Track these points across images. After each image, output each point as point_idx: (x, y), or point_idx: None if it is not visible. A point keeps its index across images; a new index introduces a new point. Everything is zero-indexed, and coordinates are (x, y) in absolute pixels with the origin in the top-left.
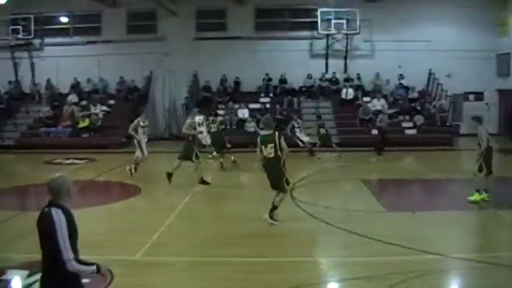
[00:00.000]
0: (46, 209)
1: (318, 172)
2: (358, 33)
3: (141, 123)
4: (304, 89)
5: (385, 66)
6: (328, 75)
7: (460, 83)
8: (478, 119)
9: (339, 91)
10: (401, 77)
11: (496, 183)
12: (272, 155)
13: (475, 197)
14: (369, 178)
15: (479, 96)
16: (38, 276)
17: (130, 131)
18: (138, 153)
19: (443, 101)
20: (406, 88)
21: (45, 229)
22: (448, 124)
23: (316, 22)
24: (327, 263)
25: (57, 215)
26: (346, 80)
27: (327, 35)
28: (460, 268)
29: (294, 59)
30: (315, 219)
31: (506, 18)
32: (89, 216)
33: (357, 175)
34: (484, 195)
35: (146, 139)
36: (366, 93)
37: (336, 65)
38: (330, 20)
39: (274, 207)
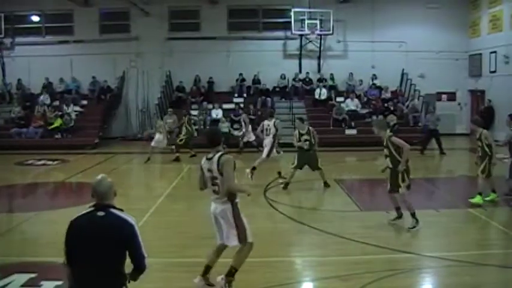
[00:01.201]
0: (106, 213)
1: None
2: (332, 34)
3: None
4: (277, 89)
5: (359, 67)
6: (302, 76)
7: (433, 83)
8: (478, 122)
9: (312, 91)
10: (374, 77)
11: (470, 182)
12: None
13: (477, 199)
14: (343, 178)
15: (451, 96)
16: (12, 278)
17: None
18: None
19: (416, 101)
20: (379, 88)
21: (125, 234)
22: (420, 124)
23: (290, 22)
24: (301, 263)
25: (129, 217)
26: (320, 80)
27: (301, 36)
28: (433, 267)
29: (268, 59)
30: (289, 220)
31: (477, 19)
32: (63, 217)
33: (331, 175)
34: (493, 195)
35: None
36: (339, 94)
37: (309, 65)
38: (304, 20)
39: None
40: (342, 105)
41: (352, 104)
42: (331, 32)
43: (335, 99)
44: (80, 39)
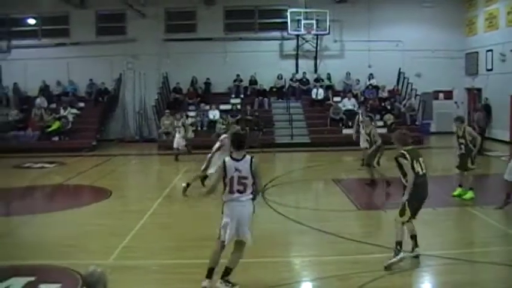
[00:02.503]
0: None
1: (289, 172)
2: (328, 34)
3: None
4: (274, 89)
5: (355, 66)
6: (299, 76)
7: (430, 82)
8: (461, 120)
9: (309, 91)
10: (371, 76)
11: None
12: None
13: (470, 194)
14: (341, 178)
15: (448, 94)
16: (10, 281)
17: None
18: None
19: (413, 100)
20: (376, 87)
21: None
22: (417, 123)
23: (286, 23)
24: (300, 263)
25: None
26: (317, 80)
27: (297, 36)
28: (430, 265)
29: (264, 60)
30: (287, 220)
31: (474, 17)
32: (60, 220)
33: (328, 175)
34: (460, 190)
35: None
36: (336, 93)
37: (306, 65)
38: (300, 20)
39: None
40: (339, 104)
41: (349, 104)
42: (327, 31)
43: (332, 99)
44: (77, 42)
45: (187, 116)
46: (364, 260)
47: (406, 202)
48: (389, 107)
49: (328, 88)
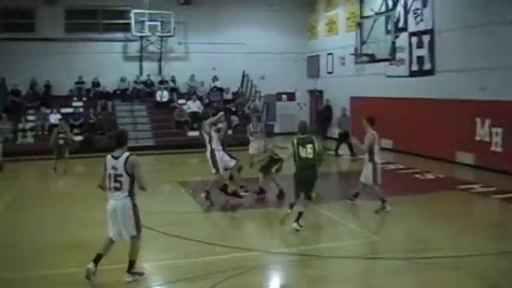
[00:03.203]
0: None
1: None
2: (173, 36)
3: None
4: (118, 92)
5: (200, 68)
6: (143, 78)
7: (273, 84)
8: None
9: (153, 94)
10: (215, 78)
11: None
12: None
13: None
14: (187, 180)
15: (291, 96)
16: None
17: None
18: None
19: (257, 102)
20: (221, 90)
21: None
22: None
23: (130, 24)
24: (148, 268)
25: None
26: (161, 82)
27: (141, 37)
28: (280, 262)
29: (108, 62)
30: None
31: (315, 22)
32: None
33: (174, 177)
34: None
35: None
36: (181, 96)
37: (150, 68)
38: (144, 22)
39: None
40: (184, 107)
41: (194, 106)
42: (172, 33)
43: (177, 101)
44: None
45: (26, 120)
46: (215, 261)
47: (294, 175)
48: (234, 109)
49: (173, 90)
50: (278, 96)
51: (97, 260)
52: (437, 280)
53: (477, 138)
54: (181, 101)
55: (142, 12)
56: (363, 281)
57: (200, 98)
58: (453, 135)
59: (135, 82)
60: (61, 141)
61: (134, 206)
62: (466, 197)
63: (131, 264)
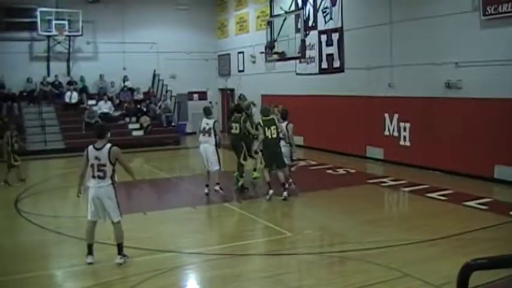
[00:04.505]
0: None
1: (44, 180)
2: (81, 35)
3: None
4: (24, 93)
5: (110, 68)
6: (51, 79)
7: (184, 83)
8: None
9: (62, 95)
10: (126, 78)
11: (227, 176)
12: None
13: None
14: None
15: (202, 95)
16: None
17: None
18: None
19: (168, 102)
20: (131, 90)
21: None
22: (174, 124)
23: (36, 22)
24: (61, 275)
25: None
26: (70, 83)
27: (48, 37)
28: (195, 262)
29: (12, 62)
30: (44, 230)
31: (225, 20)
32: None
33: (85, 180)
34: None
35: None
36: (91, 96)
37: (58, 68)
38: (51, 20)
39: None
40: (94, 108)
41: (105, 107)
42: (80, 33)
43: (87, 102)
44: None
45: None
46: (128, 264)
47: (260, 152)
48: (145, 109)
49: (82, 91)
50: (190, 96)
51: (90, 250)
52: (348, 271)
53: (386, 133)
54: (91, 102)
55: (49, 10)
56: (276, 277)
57: (111, 99)
58: (364, 131)
59: (42, 83)
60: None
61: (116, 193)
62: (377, 190)
63: (120, 247)
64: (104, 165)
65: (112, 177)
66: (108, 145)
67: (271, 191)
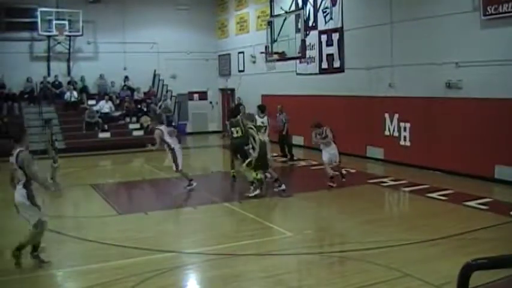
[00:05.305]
0: None
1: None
2: (82, 35)
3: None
4: (25, 93)
5: (110, 68)
6: (51, 79)
7: (185, 83)
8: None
9: (62, 95)
10: (126, 78)
11: (225, 178)
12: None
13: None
14: (98, 182)
15: (203, 95)
16: None
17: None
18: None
19: (168, 101)
20: (132, 89)
21: None
22: (174, 124)
23: (36, 22)
24: (62, 275)
25: None
26: (70, 83)
27: (48, 37)
28: (195, 262)
29: (13, 62)
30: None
31: (225, 20)
32: None
33: (86, 180)
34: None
35: None
36: (91, 96)
37: (58, 68)
38: (52, 20)
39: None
40: (94, 108)
41: (105, 107)
42: (80, 33)
43: (87, 102)
44: None
45: None
46: (128, 264)
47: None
48: (145, 109)
49: (82, 91)
50: (190, 96)
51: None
52: (348, 272)
53: (386, 133)
54: (91, 102)
55: (50, 10)
56: (276, 277)
57: (111, 98)
58: (364, 131)
59: (42, 83)
60: None
61: (30, 196)
62: (377, 190)
63: (22, 247)
64: (15, 170)
65: (25, 182)
66: (17, 150)
67: (256, 190)
